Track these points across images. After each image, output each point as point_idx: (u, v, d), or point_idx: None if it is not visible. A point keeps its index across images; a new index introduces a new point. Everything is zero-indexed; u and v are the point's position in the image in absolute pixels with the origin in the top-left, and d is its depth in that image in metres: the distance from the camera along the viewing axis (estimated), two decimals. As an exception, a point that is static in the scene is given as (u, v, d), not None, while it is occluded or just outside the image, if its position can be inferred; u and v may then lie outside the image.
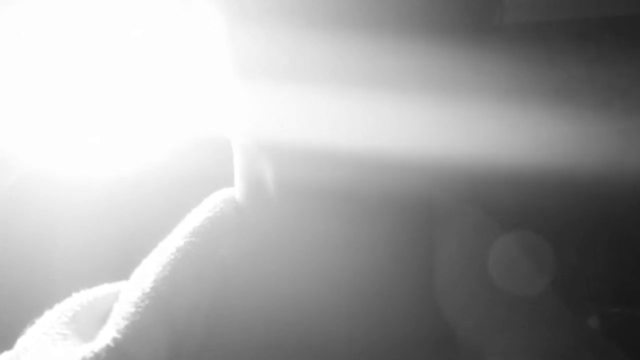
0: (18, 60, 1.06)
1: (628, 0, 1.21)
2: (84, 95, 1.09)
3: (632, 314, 1.01)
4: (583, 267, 1.13)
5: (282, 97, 0.39)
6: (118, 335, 0.41)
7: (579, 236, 1.16)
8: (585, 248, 1.16)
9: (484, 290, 0.42)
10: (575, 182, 1.16)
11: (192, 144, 1.07)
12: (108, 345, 0.40)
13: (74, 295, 0.46)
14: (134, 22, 1.06)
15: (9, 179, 1.08)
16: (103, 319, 0.44)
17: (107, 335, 0.41)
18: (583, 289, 1.08)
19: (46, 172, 1.10)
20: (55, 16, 1.05)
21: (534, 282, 0.44)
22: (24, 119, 1.09)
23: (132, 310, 0.42)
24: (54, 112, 1.10)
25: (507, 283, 0.43)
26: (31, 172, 1.10)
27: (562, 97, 1.20)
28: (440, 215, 0.45)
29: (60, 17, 1.05)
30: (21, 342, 0.43)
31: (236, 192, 0.46)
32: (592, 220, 1.17)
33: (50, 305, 0.46)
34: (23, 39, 1.04)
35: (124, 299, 0.43)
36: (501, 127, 0.42)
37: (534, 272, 0.45)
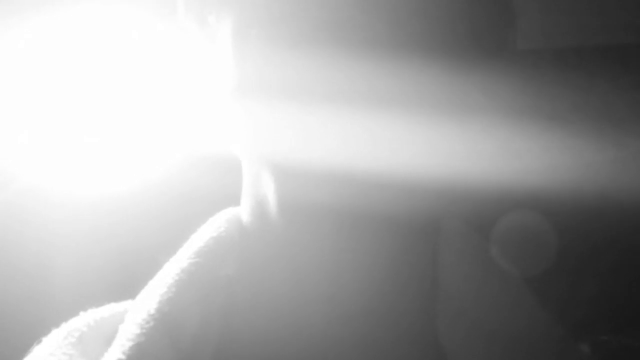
0: (15, 75, 1.06)
1: (622, 29, 1.23)
2: (82, 110, 1.09)
3: (622, 342, 1.01)
4: (574, 294, 1.13)
5: (285, 115, 0.39)
6: (123, 357, 0.41)
7: (570, 263, 1.16)
8: (576, 275, 1.17)
9: (485, 328, 0.43)
10: (566, 209, 1.16)
11: (190, 160, 1.07)
12: None
13: (81, 314, 0.46)
14: (132, 41, 1.06)
15: (4, 194, 1.07)
16: (109, 340, 0.44)
17: (112, 357, 0.41)
18: (574, 316, 1.08)
19: (43, 187, 1.10)
20: (54, 31, 1.05)
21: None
22: (21, 133, 1.08)
23: (137, 331, 0.42)
24: (51, 126, 1.09)
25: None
26: (27, 187, 1.09)
27: (554, 125, 1.21)
28: (444, 240, 0.45)
29: (57, 32, 1.05)
30: None
31: (242, 210, 0.46)
32: (583, 247, 1.18)
33: (48, 321, 0.46)
34: (19, 54, 1.04)
35: (129, 321, 0.43)
36: (496, 150, 0.43)
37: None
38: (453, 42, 0.39)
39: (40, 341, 0.44)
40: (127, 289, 0.49)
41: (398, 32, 0.38)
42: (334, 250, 0.42)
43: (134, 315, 0.43)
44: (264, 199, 0.43)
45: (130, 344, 0.41)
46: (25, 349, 0.44)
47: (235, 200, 0.49)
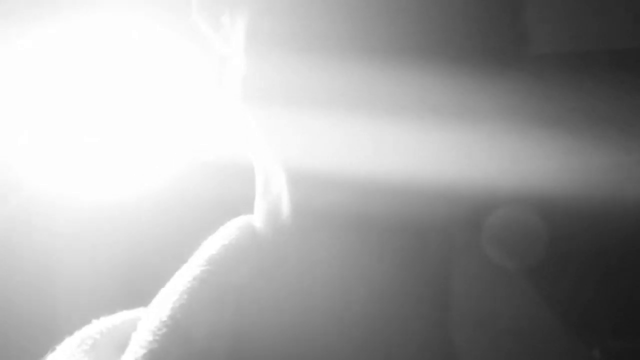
0: (22, 82, 1.06)
1: (628, 34, 1.23)
2: (90, 117, 1.09)
3: (633, 347, 1.01)
4: (583, 299, 1.13)
5: (301, 120, 0.39)
6: None
7: (578, 267, 1.16)
8: (585, 279, 1.16)
9: (492, 328, 0.43)
10: (573, 213, 1.16)
11: (198, 166, 1.07)
12: None
13: (94, 322, 0.46)
14: (141, 48, 1.06)
15: (12, 201, 1.07)
16: (122, 347, 0.44)
17: None
18: (583, 321, 1.08)
19: (51, 194, 1.10)
20: (62, 39, 1.05)
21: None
22: (29, 141, 1.09)
23: (150, 338, 0.42)
24: (59, 132, 1.09)
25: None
26: (35, 194, 1.09)
27: (560, 130, 1.21)
28: (457, 248, 0.45)
29: (66, 40, 1.05)
30: None
31: (255, 217, 0.46)
32: (591, 252, 1.18)
33: (61, 329, 0.46)
34: (28, 62, 1.04)
35: (142, 328, 0.43)
36: (503, 155, 0.43)
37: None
38: (463, 47, 0.40)
39: (53, 349, 0.44)
40: (136, 294, 0.49)
41: (414, 37, 0.38)
42: (349, 257, 0.42)
43: (147, 322, 0.43)
44: (277, 205, 0.43)
45: (144, 351, 0.41)
46: (39, 357, 0.44)
47: (243, 206, 0.49)
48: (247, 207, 0.48)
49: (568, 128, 1.20)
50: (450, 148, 0.40)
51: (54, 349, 0.44)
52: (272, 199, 0.44)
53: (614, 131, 1.20)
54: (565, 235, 1.16)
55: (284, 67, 0.39)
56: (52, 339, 0.45)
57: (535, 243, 1.04)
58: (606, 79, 1.22)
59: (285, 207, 0.42)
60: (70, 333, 0.45)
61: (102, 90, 1.08)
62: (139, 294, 0.48)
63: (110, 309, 0.48)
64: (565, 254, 1.16)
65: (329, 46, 0.38)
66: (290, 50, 0.39)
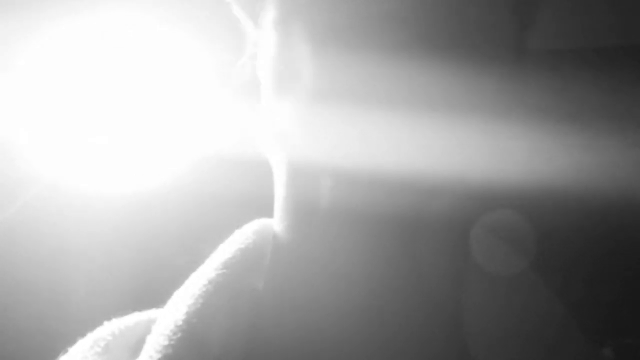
0: (40, 80, 1.06)
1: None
2: (104, 112, 1.09)
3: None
4: (596, 297, 1.13)
5: (355, 122, 0.39)
6: None
7: (592, 265, 1.15)
8: (598, 277, 1.16)
9: (509, 334, 0.42)
10: (588, 210, 1.15)
11: (212, 162, 1.07)
12: None
13: (106, 323, 0.46)
14: (158, 45, 1.07)
15: (23, 198, 1.08)
16: (134, 349, 0.44)
17: None
18: (596, 320, 1.07)
19: (65, 186, 1.10)
20: (77, 37, 1.06)
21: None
22: (45, 135, 1.09)
23: (165, 343, 0.42)
24: (74, 127, 1.10)
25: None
26: (47, 190, 1.09)
27: (577, 125, 1.20)
28: (473, 247, 0.45)
29: (80, 38, 1.06)
30: None
31: (276, 219, 0.45)
32: (605, 250, 1.17)
33: (68, 328, 0.46)
34: (45, 60, 1.05)
35: (157, 332, 0.43)
36: (520, 152, 0.43)
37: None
38: (495, 44, 0.40)
39: (66, 351, 0.45)
40: (150, 293, 0.49)
41: (476, 38, 0.39)
42: (377, 260, 0.41)
43: (162, 326, 0.43)
44: (307, 206, 0.42)
45: (159, 355, 0.41)
46: (52, 358, 0.44)
47: (259, 202, 0.49)
48: (262, 202, 0.48)
49: (583, 122, 1.20)
50: (499, 146, 0.40)
51: (66, 351, 0.45)
52: (301, 200, 0.43)
53: (630, 126, 1.20)
54: (580, 232, 1.16)
55: (350, 67, 0.39)
56: (64, 340, 0.45)
57: (541, 241, 1.04)
58: (622, 74, 1.21)
59: (323, 208, 0.41)
60: (83, 335, 0.45)
61: (114, 85, 1.08)
62: (152, 294, 0.48)
63: (123, 310, 0.48)
64: (580, 250, 1.16)
65: (398, 47, 0.38)
66: (357, 51, 0.39)
